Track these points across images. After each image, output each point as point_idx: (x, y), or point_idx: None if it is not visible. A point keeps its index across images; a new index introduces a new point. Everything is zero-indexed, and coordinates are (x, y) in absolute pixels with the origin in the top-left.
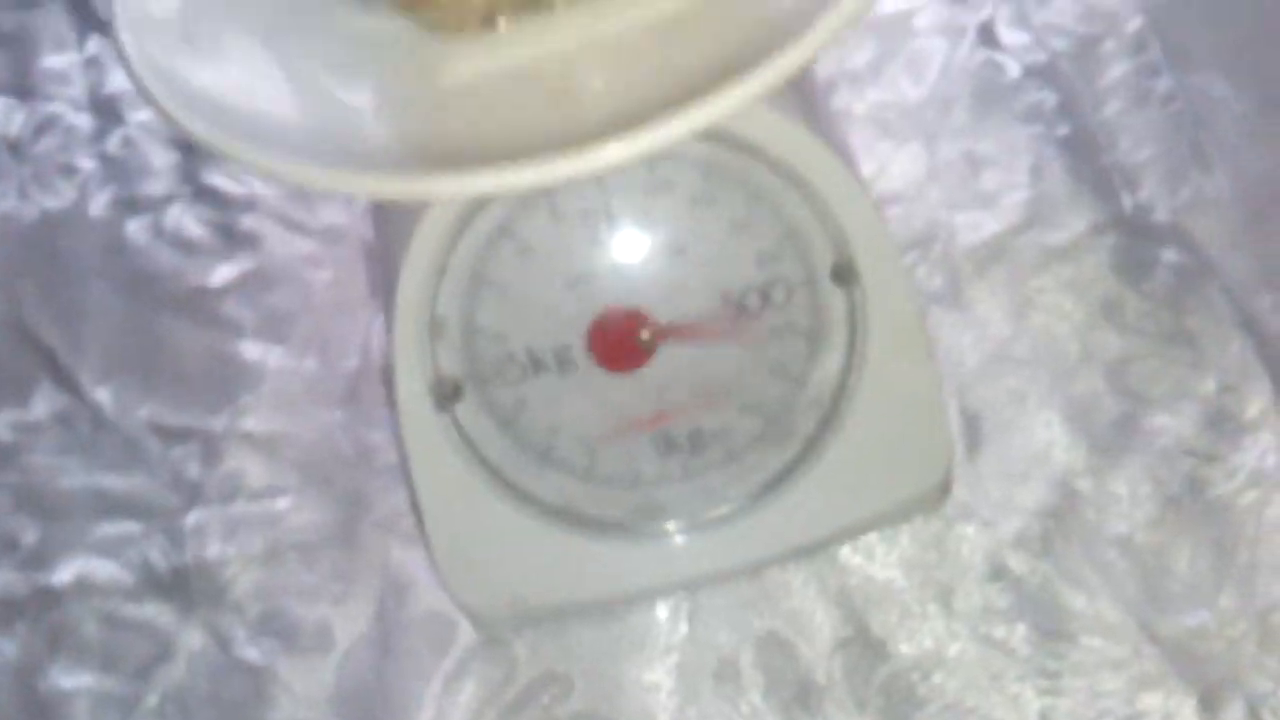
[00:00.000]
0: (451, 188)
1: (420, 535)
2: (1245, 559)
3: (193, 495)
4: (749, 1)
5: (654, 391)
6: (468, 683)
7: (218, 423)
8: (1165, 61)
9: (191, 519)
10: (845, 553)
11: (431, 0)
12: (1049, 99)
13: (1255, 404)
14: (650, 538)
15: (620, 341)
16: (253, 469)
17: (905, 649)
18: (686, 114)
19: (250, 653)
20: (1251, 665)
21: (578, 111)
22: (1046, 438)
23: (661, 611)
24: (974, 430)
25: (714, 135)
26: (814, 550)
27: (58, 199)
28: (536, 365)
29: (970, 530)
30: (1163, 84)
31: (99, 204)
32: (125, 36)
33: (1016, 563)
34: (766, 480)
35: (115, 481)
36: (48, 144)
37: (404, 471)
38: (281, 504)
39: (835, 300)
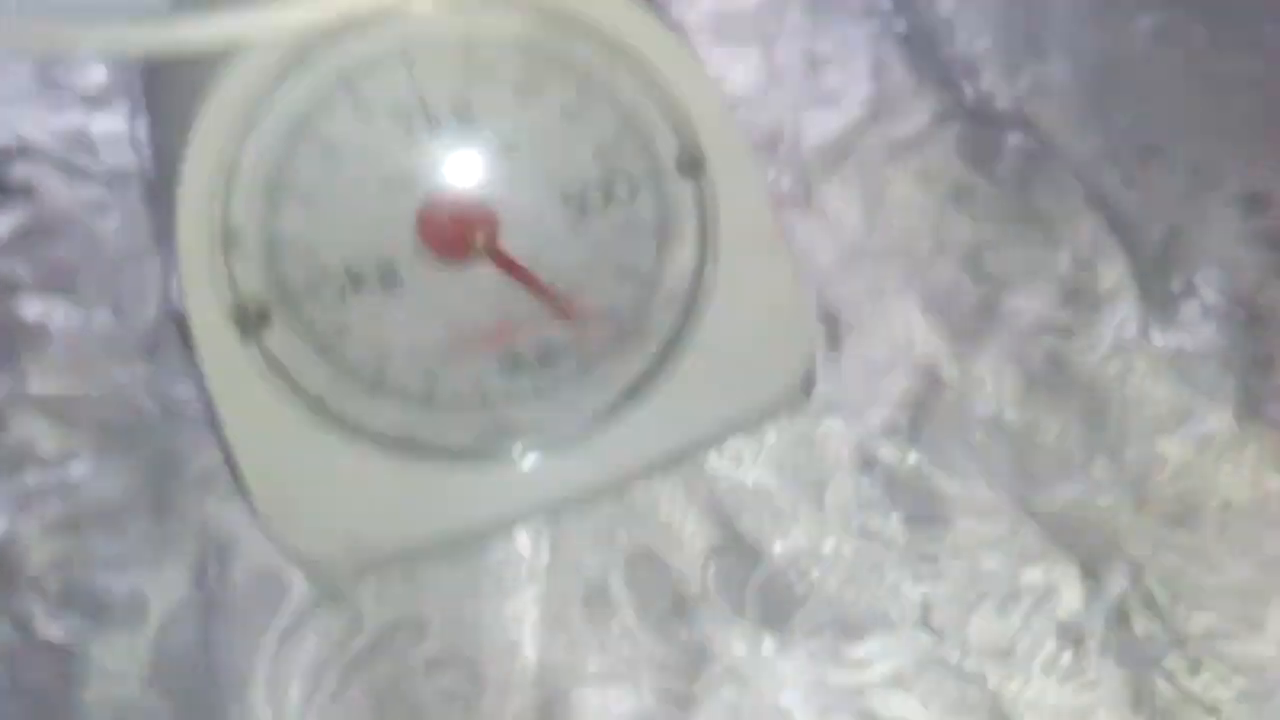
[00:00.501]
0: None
1: (238, 488)
2: (1114, 428)
3: None
4: None
5: (494, 301)
6: (306, 640)
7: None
8: None
9: None
10: (712, 460)
11: None
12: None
13: (1110, 276)
14: (502, 462)
15: (452, 232)
16: (42, 435)
17: (779, 549)
18: None
19: (53, 631)
20: (1130, 531)
21: None
22: (907, 328)
23: (521, 541)
24: (834, 327)
25: (537, 10)
26: (678, 460)
27: None
28: (356, 281)
29: (837, 424)
30: None
31: None
32: None
33: (886, 452)
34: (623, 390)
35: None
36: None
37: (210, 417)
38: (77, 470)
39: (683, 193)
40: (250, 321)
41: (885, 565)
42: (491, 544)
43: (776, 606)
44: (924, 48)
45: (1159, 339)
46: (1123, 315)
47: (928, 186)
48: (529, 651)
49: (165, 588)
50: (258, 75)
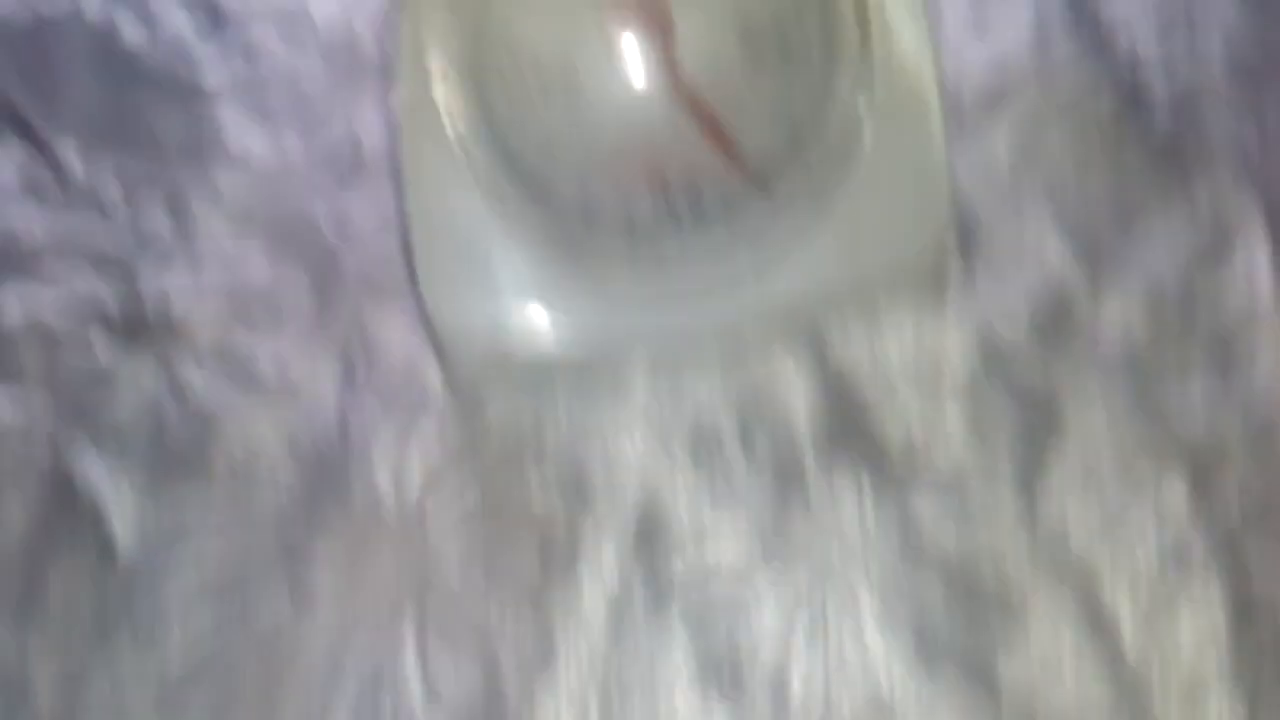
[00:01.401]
0: None
1: (398, 293)
2: (1243, 358)
3: (153, 244)
4: None
5: (658, 130)
6: (434, 440)
7: (190, 187)
8: None
9: (152, 269)
10: (835, 339)
11: None
12: None
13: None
14: (639, 288)
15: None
16: (221, 229)
17: (893, 432)
18: None
19: (205, 394)
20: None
21: None
22: (1040, 246)
23: (641, 380)
24: (969, 238)
25: None
26: (807, 318)
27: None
28: (541, 76)
29: (963, 323)
30: None
31: (92, 7)
32: None
33: (1013, 358)
34: (760, 239)
35: (76, 226)
36: None
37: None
38: (252, 260)
39: (850, 37)
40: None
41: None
42: (617, 378)
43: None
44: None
45: None
46: (1255, 260)
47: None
48: (634, 478)
49: (314, 374)
50: None
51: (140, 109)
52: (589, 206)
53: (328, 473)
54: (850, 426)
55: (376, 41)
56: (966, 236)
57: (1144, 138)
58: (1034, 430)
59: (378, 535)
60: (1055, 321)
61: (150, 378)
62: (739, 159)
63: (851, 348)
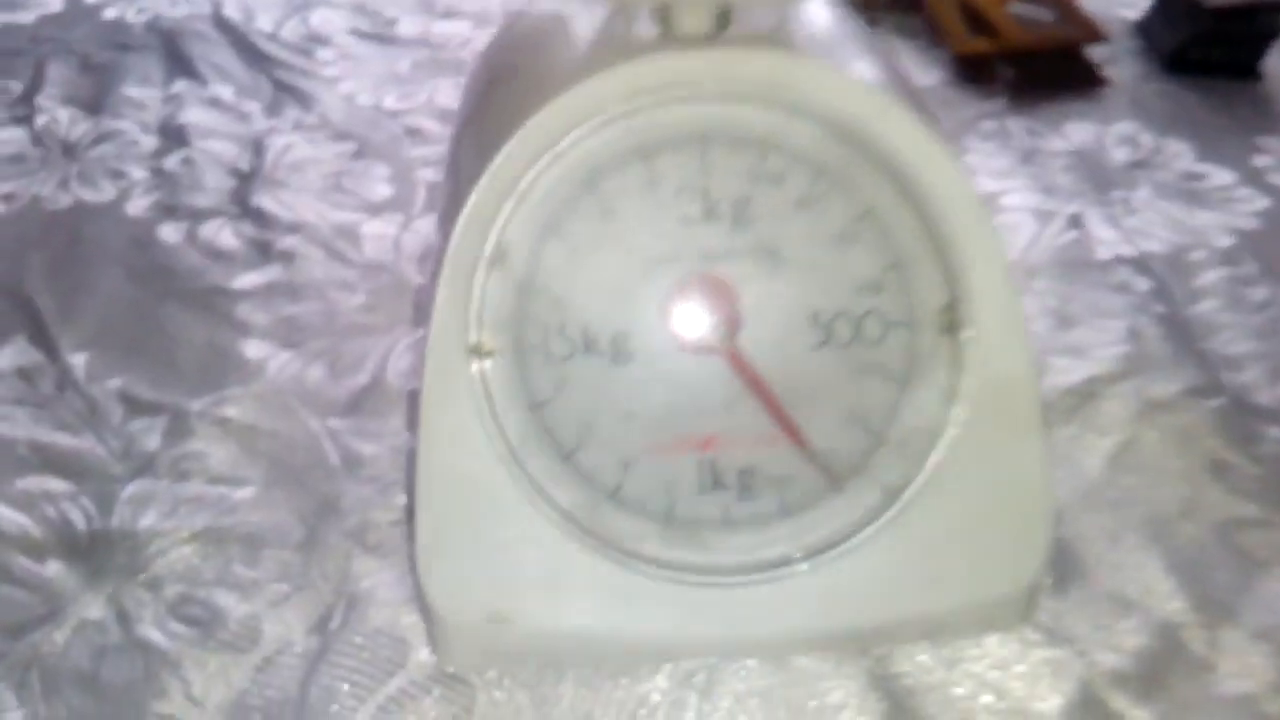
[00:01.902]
0: None
1: (392, 550)
2: None
3: (142, 466)
4: None
5: (711, 409)
6: (408, 716)
7: (195, 404)
8: (1260, 275)
9: (132, 488)
10: (898, 659)
11: None
12: (1141, 283)
13: None
14: (670, 583)
15: (699, 320)
16: (219, 454)
17: None
18: None
19: (153, 634)
20: None
21: None
22: (1146, 582)
23: (664, 680)
24: (1066, 560)
25: (833, 124)
26: (865, 641)
27: (97, 194)
28: (589, 342)
29: (1059, 657)
30: (1258, 293)
31: (138, 206)
32: None
33: (1113, 699)
34: (821, 541)
35: (61, 440)
36: (104, 150)
37: (413, 426)
38: (241, 494)
39: (938, 347)
40: (479, 348)
41: None
42: (633, 672)
43: None
44: (1183, 333)
45: None
46: None
47: (1180, 451)
48: None
49: (284, 623)
50: (565, 121)
51: (163, 320)
52: (623, 479)
53: None
54: None
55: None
56: (1061, 563)
57: (1257, 464)
58: None
59: None
60: (1165, 665)
61: (100, 608)
62: (801, 441)
63: (922, 678)
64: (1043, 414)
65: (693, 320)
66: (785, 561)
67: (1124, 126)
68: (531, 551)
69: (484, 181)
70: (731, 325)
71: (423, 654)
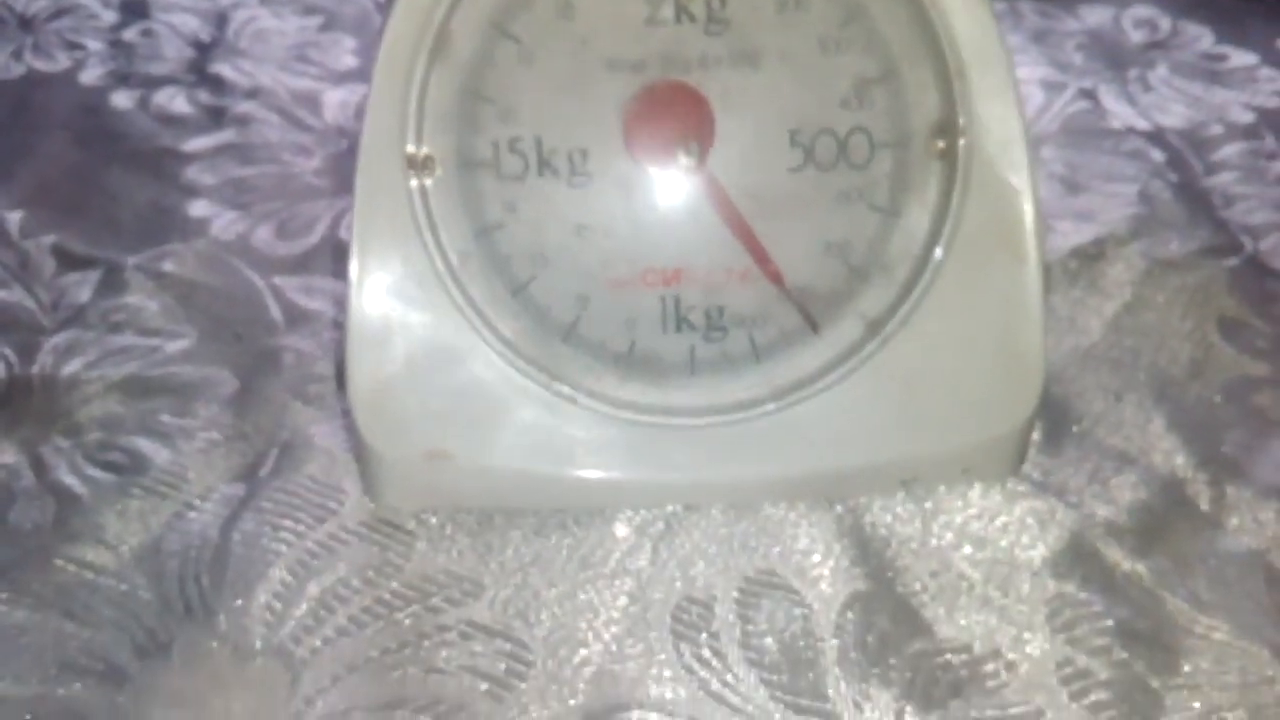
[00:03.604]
0: None
1: (327, 402)
2: None
3: (70, 318)
4: None
5: (677, 236)
6: (336, 563)
7: (131, 259)
8: None
9: (59, 338)
10: (874, 508)
11: None
12: (1155, 153)
13: None
14: (628, 425)
15: (661, 131)
16: (153, 307)
17: (944, 630)
18: None
19: (68, 479)
20: None
21: None
22: (1147, 438)
23: (620, 529)
24: (1060, 419)
25: None
26: (833, 488)
27: (50, 64)
28: (542, 160)
29: (1049, 507)
30: (1279, 167)
31: (92, 75)
32: None
33: (1108, 552)
34: (794, 381)
35: None
36: (61, 24)
37: (350, 243)
38: (174, 346)
39: (928, 170)
40: (418, 161)
41: (1090, 690)
42: (585, 519)
43: (927, 689)
44: (1198, 200)
45: None
46: None
47: (1191, 308)
48: (593, 653)
49: (211, 469)
50: None
51: (106, 181)
52: (580, 313)
53: (190, 597)
54: (887, 613)
55: None
56: (1055, 419)
57: (1272, 323)
58: (1133, 637)
59: (237, 676)
60: (1165, 520)
61: (12, 454)
62: (775, 276)
63: (897, 528)
64: (1042, 241)
65: (659, 135)
66: (753, 403)
67: (1141, 10)
68: (475, 385)
69: None
70: (702, 142)
71: (358, 501)
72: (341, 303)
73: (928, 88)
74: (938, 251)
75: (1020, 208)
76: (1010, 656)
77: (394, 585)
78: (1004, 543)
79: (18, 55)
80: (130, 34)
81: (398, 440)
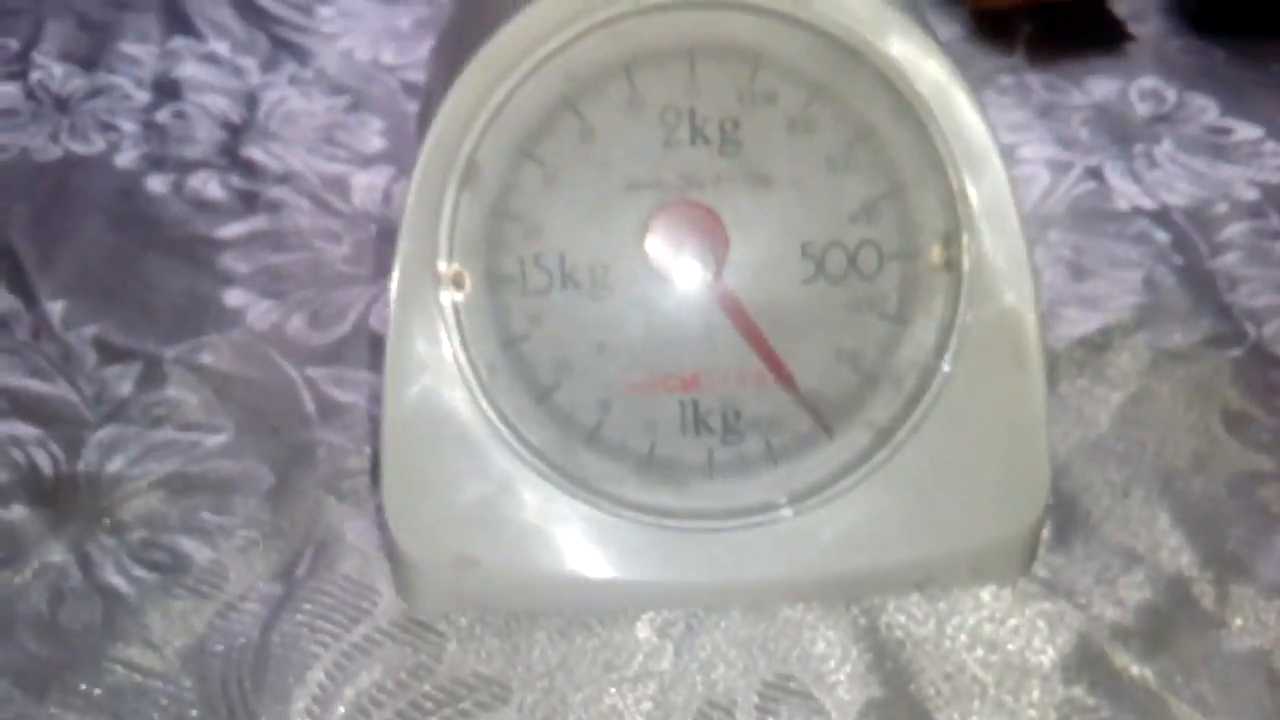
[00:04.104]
0: None
1: (362, 499)
2: None
3: (113, 412)
4: None
5: (695, 345)
6: (373, 665)
7: (170, 351)
8: None
9: (102, 434)
10: (890, 609)
11: None
12: (1160, 234)
13: None
14: (650, 530)
15: (679, 246)
16: (192, 401)
17: None
18: None
19: (115, 579)
20: None
21: None
22: (1154, 535)
23: (642, 630)
24: (1069, 514)
25: (829, 35)
26: (854, 591)
27: (86, 146)
28: (566, 273)
29: (1058, 610)
30: None
31: (127, 158)
32: None
33: (1115, 656)
34: (809, 486)
35: (33, 386)
36: (96, 105)
37: (381, 356)
38: (213, 440)
39: (935, 282)
40: (449, 277)
41: None
42: (609, 620)
43: None
44: (1203, 284)
45: None
46: None
47: (1196, 401)
48: None
49: (250, 569)
50: (539, 28)
51: (143, 268)
52: (602, 419)
53: (232, 697)
54: (901, 716)
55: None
56: (1064, 515)
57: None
58: None
59: None
60: (1171, 621)
61: (61, 553)
62: (789, 382)
63: (912, 629)
64: (1044, 351)
65: (676, 250)
66: (770, 506)
67: (1147, 81)
68: (502, 492)
69: (454, 94)
70: (718, 256)
71: (391, 601)
72: (374, 395)
73: (933, 204)
74: (945, 361)
75: (1023, 318)
76: None
77: (426, 688)
78: (1014, 645)
79: (54, 137)
80: (163, 115)
81: (428, 546)
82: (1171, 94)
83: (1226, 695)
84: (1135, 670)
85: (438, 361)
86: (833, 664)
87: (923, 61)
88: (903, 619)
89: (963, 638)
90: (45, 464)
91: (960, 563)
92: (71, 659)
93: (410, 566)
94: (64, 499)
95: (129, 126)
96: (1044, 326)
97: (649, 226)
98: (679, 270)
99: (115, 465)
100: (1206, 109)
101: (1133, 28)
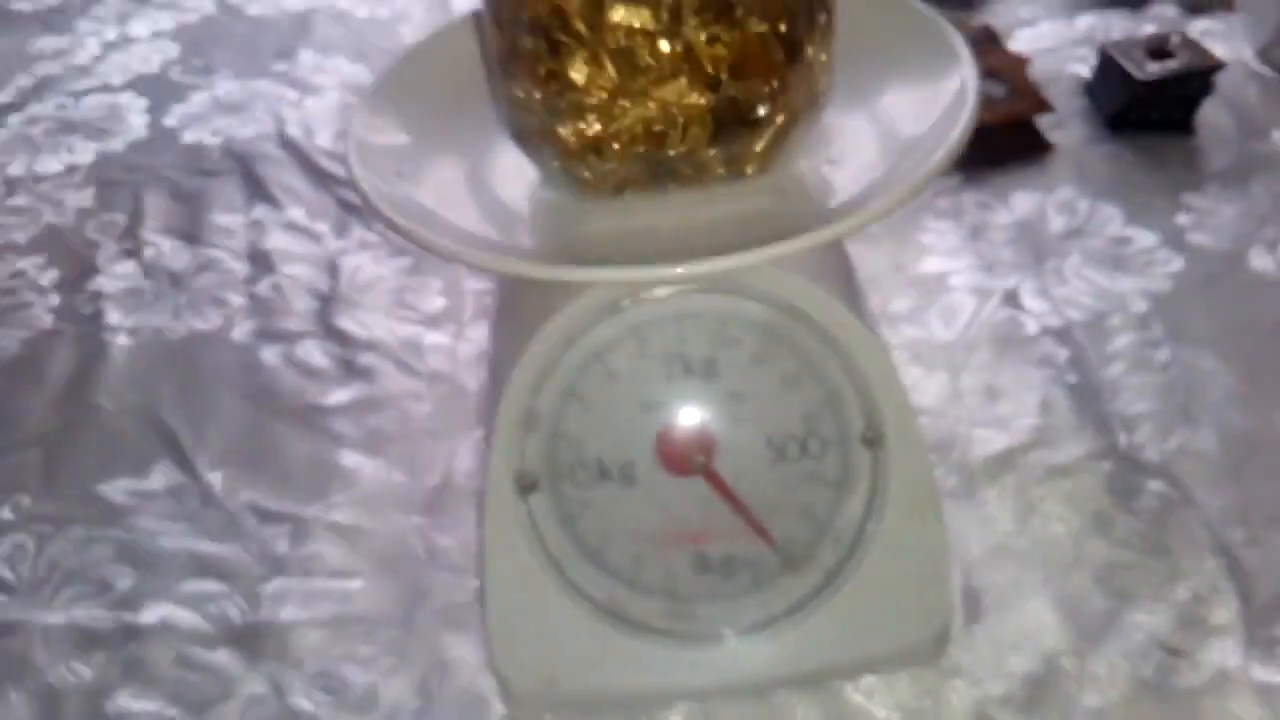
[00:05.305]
0: (575, 275)
1: (469, 624)
2: None
3: (277, 567)
4: (801, 205)
5: (697, 514)
6: None
7: (309, 511)
8: (1165, 337)
9: (272, 586)
10: (848, 689)
11: (580, 175)
12: (1061, 354)
13: (1222, 613)
14: (677, 645)
15: (680, 451)
16: (333, 553)
17: None
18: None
19: (303, 703)
20: None
21: (663, 249)
22: (1038, 620)
23: (678, 716)
24: (975, 605)
25: (776, 303)
26: (821, 679)
27: (206, 323)
28: (603, 473)
29: (962, 685)
30: (1161, 355)
31: (242, 331)
32: (358, 170)
33: (1001, 718)
34: (784, 608)
35: (210, 548)
36: (205, 280)
37: (479, 548)
38: (353, 585)
39: (862, 460)
40: (526, 485)
41: None
42: (656, 713)
43: None
44: (1089, 399)
45: (1258, 673)
46: (1229, 648)
47: (1074, 509)
48: None
49: (395, 688)
50: (579, 317)
51: (274, 437)
52: (637, 570)
53: None
54: None
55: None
56: (971, 605)
57: (1134, 517)
58: None
59: None
60: (1043, 687)
61: (261, 685)
62: (765, 535)
63: (861, 701)
64: (940, 503)
65: (679, 452)
66: (759, 623)
67: (1064, 192)
68: (571, 631)
69: (517, 371)
70: (708, 453)
71: (498, 708)
72: (464, 541)
73: (855, 409)
74: (871, 519)
75: (926, 490)
76: None
77: None
78: (931, 711)
79: (177, 314)
80: (263, 288)
81: (523, 672)
82: (1084, 205)
83: None
84: None
85: (519, 543)
86: None
87: (844, 321)
88: (856, 698)
89: (896, 709)
90: (234, 614)
91: (892, 655)
92: None
93: (512, 687)
94: (254, 642)
95: (236, 300)
96: (965, 449)
97: (659, 436)
98: (680, 466)
99: (287, 612)
100: (1111, 219)
101: (1055, 134)
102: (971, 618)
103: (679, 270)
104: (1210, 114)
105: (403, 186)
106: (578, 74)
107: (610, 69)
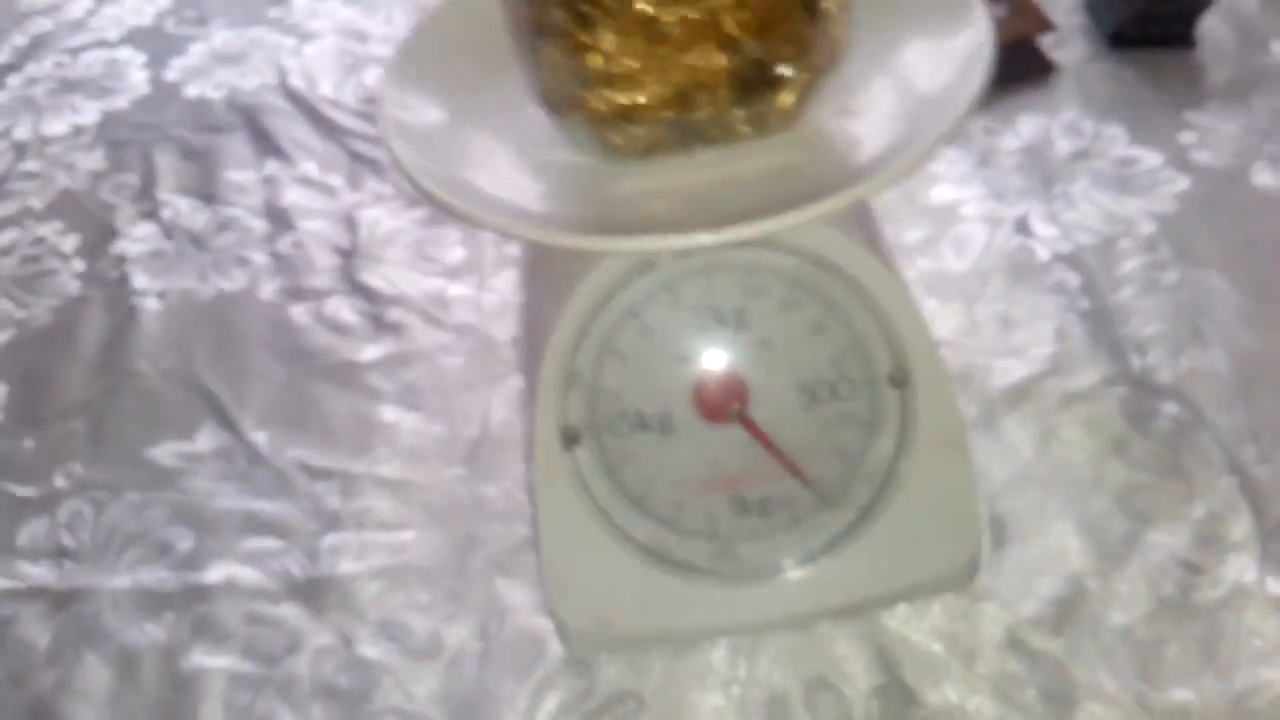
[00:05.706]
0: (606, 244)
1: (521, 569)
2: (1226, 653)
3: (331, 522)
4: (825, 162)
5: (734, 459)
6: (553, 692)
7: (356, 467)
8: (1173, 259)
9: (329, 540)
10: (885, 618)
11: (611, 140)
12: (1072, 279)
13: (1238, 530)
14: (721, 584)
15: (716, 399)
16: (383, 506)
17: (933, 699)
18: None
19: (370, 651)
20: None
21: (695, 212)
22: (1062, 543)
23: (723, 650)
24: (1001, 531)
25: (801, 253)
26: (859, 610)
27: (232, 283)
28: (643, 424)
29: (993, 608)
30: (1170, 276)
31: (268, 290)
32: (400, 153)
33: (1032, 638)
34: (822, 544)
35: (265, 506)
36: (226, 239)
37: (530, 501)
38: (406, 536)
39: (890, 400)
40: (570, 438)
41: None
42: (702, 646)
43: None
44: (1101, 324)
45: (1273, 587)
46: (1245, 564)
47: (1092, 434)
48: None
49: (455, 633)
50: (614, 275)
51: (314, 395)
52: (679, 514)
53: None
54: (897, 692)
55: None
56: (997, 531)
57: (1150, 440)
58: (1051, 696)
59: None
60: (1070, 607)
61: (328, 636)
62: (801, 475)
63: (898, 628)
64: (968, 436)
65: (715, 400)
66: (799, 560)
67: (1069, 114)
68: (621, 574)
69: (556, 333)
70: (742, 400)
71: (555, 647)
72: (507, 491)
73: (883, 350)
74: (901, 457)
75: (953, 426)
76: (972, 714)
77: (592, 705)
78: (965, 635)
79: (203, 276)
80: (284, 246)
81: (580, 614)
82: (1088, 125)
83: (1106, 658)
84: (1046, 645)
85: (568, 494)
86: (850, 661)
87: (868, 267)
88: (893, 625)
89: (932, 633)
90: (295, 569)
91: (926, 584)
92: (352, 713)
93: (571, 628)
94: (318, 595)
95: (259, 259)
96: (984, 379)
97: (695, 386)
98: (717, 413)
99: (345, 565)
100: (1116, 140)
101: (1057, 54)
102: (998, 544)
103: (722, 235)
104: (1210, 27)
105: (447, 165)
106: (606, 44)
107: (638, 38)
